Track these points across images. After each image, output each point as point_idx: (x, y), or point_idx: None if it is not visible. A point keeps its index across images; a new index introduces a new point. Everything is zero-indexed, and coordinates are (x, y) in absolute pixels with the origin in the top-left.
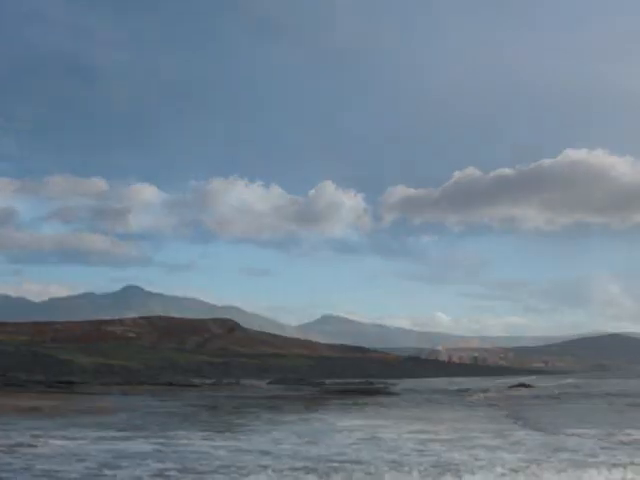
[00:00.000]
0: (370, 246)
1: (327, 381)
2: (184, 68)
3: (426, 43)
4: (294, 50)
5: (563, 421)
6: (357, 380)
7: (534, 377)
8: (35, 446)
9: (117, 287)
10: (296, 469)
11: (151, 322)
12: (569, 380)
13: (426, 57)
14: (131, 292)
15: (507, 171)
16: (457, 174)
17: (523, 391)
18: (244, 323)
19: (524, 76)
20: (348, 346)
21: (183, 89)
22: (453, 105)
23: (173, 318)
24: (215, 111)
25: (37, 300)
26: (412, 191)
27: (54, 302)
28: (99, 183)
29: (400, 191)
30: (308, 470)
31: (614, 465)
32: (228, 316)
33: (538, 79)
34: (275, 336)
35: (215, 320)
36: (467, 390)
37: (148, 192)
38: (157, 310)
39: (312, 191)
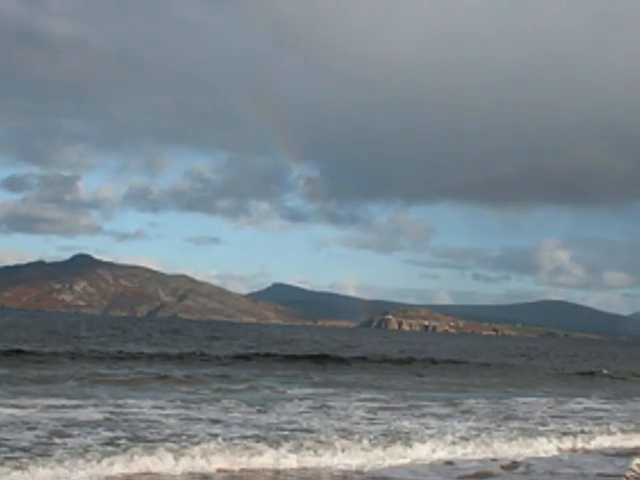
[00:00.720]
0: (319, 214)
1: (277, 349)
2: (137, 38)
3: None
4: (247, 22)
5: (513, 390)
6: (307, 348)
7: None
8: None
9: (67, 255)
10: (246, 437)
11: (101, 290)
12: (518, 348)
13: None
14: (81, 260)
15: None
16: None
17: (475, 359)
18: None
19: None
20: (298, 314)
21: (136, 59)
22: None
23: (123, 286)
24: (168, 80)
25: None
26: None
27: (3, 270)
28: (49, 151)
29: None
30: (258, 438)
31: (564, 434)
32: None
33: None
34: (225, 304)
35: (165, 288)
36: (417, 358)
37: (98, 161)
38: (107, 278)
39: (262, 159)
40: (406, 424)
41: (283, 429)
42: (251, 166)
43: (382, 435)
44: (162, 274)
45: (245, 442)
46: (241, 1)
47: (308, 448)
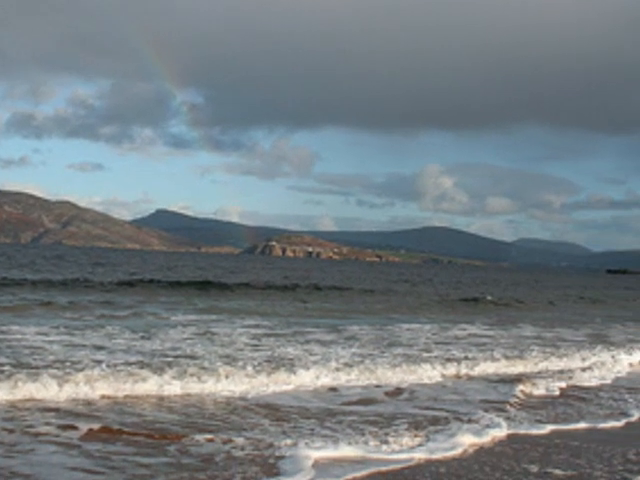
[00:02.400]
0: (203, 141)
1: (161, 275)
2: None
3: None
4: None
5: (397, 316)
6: (191, 274)
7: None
8: None
9: None
10: (130, 364)
11: None
12: (402, 275)
13: None
14: None
15: None
16: None
17: (360, 285)
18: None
19: None
20: (182, 241)
21: None
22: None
23: (7, 212)
24: (54, 7)
25: None
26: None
27: None
28: None
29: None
30: (142, 365)
31: (448, 360)
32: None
33: None
34: (109, 230)
35: (49, 215)
36: (301, 285)
37: None
38: None
39: (145, 85)
40: (290, 350)
41: (167, 355)
42: (135, 93)
43: (266, 362)
44: (46, 200)
45: (129, 369)
46: None
47: (192, 375)
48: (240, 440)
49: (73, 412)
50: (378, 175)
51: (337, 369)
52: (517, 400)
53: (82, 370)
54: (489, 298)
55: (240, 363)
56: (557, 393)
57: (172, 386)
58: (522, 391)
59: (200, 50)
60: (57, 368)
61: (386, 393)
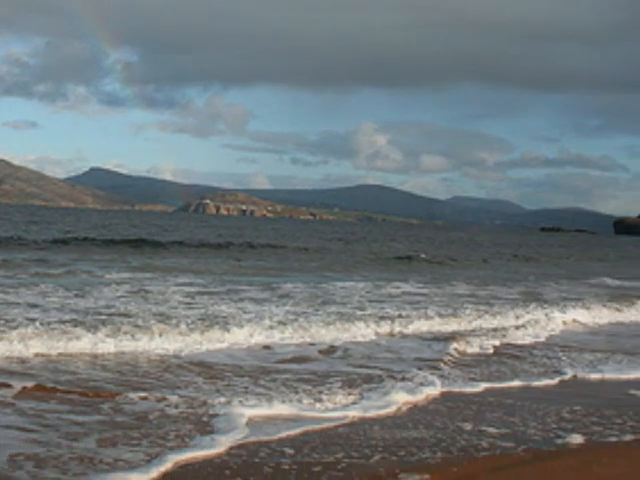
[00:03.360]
0: (136, 99)
1: (95, 233)
2: None
3: None
4: None
5: (331, 274)
6: (125, 232)
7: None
8: None
9: None
10: (64, 322)
11: None
12: (336, 233)
13: None
14: None
15: None
16: None
17: (294, 243)
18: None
19: None
20: (116, 199)
21: None
22: None
23: None
24: None
25: None
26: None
27: None
28: None
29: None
30: (76, 323)
31: (382, 318)
32: None
33: None
34: (43, 188)
35: None
36: (235, 243)
37: None
38: None
39: (79, 44)
40: (224, 308)
41: (101, 313)
42: (69, 51)
43: (200, 319)
44: None
45: (63, 327)
46: None
47: (126, 332)
48: (174, 398)
49: (7, 370)
50: (312, 133)
51: (271, 327)
52: (451, 358)
53: (16, 328)
54: (423, 256)
55: (174, 321)
56: (491, 351)
57: (106, 344)
58: (456, 349)
59: (134, 9)
60: None
61: (320, 351)
